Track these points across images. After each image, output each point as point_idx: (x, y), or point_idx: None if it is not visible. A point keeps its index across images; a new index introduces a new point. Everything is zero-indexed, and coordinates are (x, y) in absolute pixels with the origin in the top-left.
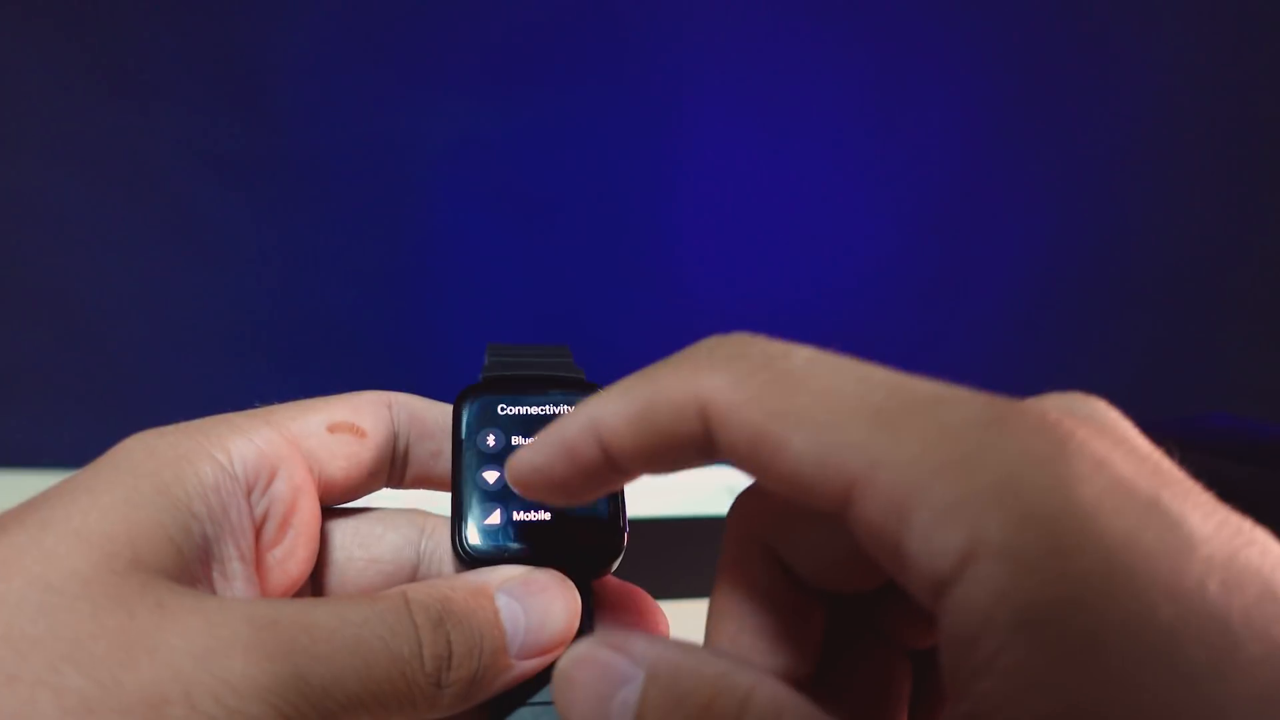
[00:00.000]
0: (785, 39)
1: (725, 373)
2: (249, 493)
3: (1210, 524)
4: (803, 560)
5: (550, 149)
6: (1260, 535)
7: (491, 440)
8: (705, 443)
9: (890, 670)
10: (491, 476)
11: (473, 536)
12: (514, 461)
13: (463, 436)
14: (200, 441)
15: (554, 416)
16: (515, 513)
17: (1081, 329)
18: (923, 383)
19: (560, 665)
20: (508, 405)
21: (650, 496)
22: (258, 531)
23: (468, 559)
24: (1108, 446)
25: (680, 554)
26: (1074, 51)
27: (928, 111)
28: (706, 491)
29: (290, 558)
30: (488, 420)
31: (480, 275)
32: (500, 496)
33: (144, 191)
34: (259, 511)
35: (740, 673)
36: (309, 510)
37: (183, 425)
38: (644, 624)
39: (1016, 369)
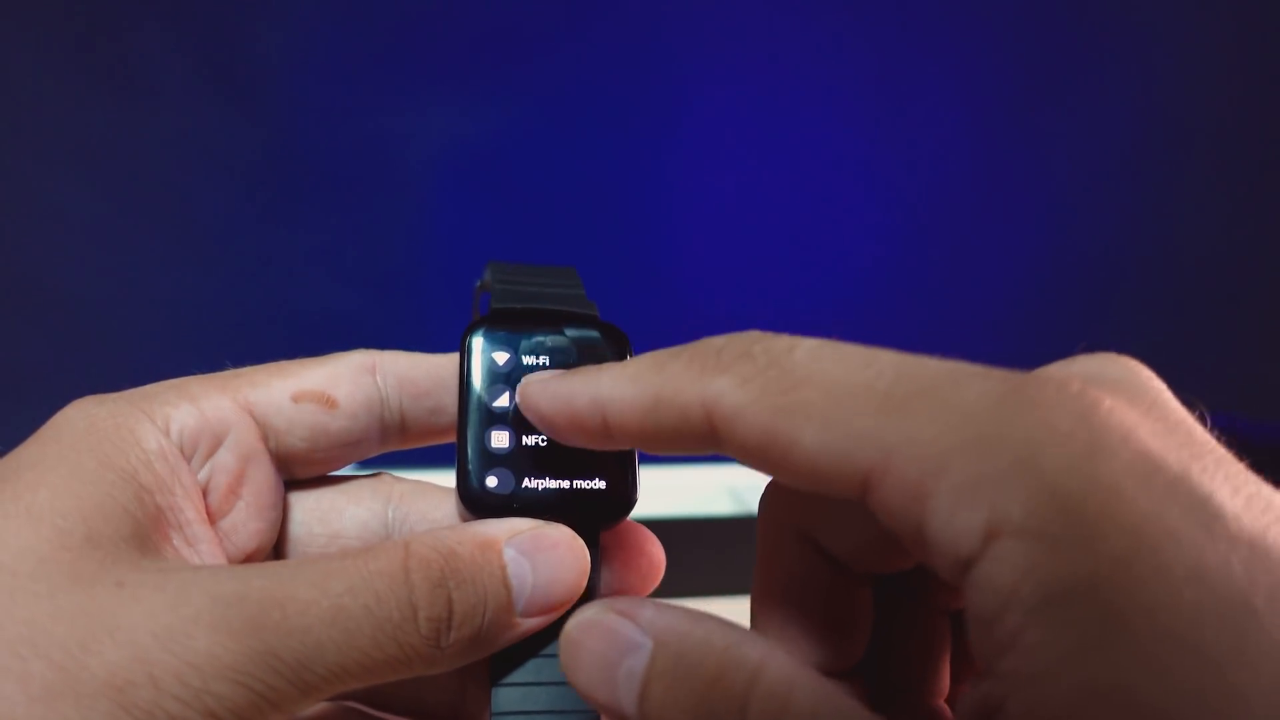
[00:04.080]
0: (785, 36)
1: (731, 376)
2: (188, 460)
3: (1239, 499)
4: (841, 544)
5: (550, 148)
6: None
7: (501, 385)
8: (710, 440)
9: (929, 632)
10: (502, 418)
11: (480, 482)
12: (524, 390)
13: (469, 377)
14: (141, 408)
15: (567, 357)
16: (526, 461)
17: (1082, 330)
18: (933, 362)
19: (567, 629)
20: (518, 342)
21: (650, 496)
22: (204, 501)
23: (474, 506)
24: (1136, 416)
25: (680, 554)
26: (1075, 51)
27: (929, 108)
28: (706, 491)
29: (240, 530)
30: (498, 358)
31: (480, 274)
32: (510, 441)
33: (143, 190)
34: (201, 479)
35: (750, 645)
36: (261, 481)
37: (128, 392)
38: (641, 561)
39: (1017, 369)
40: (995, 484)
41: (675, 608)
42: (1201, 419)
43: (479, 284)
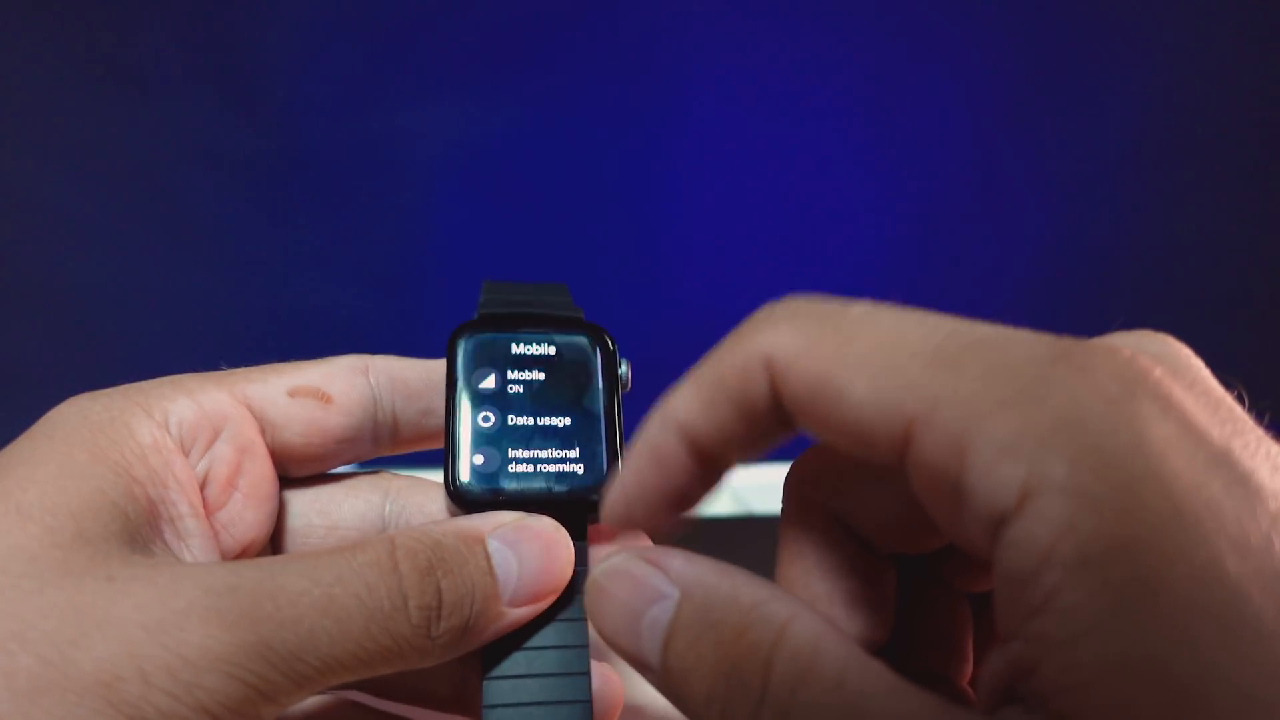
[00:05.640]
0: (785, 33)
1: (785, 327)
2: (186, 452)
3: (1279, 480)
4: (867, 521)
5: (551, 149)
6: None
7: (488, 380)
8: (776, 403)
9: (952, 615)
10: (487, 416)
11: (466, 477)
12: (609, 505)
13: (457, 376)
14: (136, 401)
15: (550, 356)
16: (510, 454)
17: (1082, 330)
18: (985, 325)
19: (594, 575)
20: (503, 343)
21: None
22: (202, 493)
23: (460, 501)
24: (1181, 390)
25: None
26: (1076, 51)
27: (931, 106)
28: None
29: (237, 521)
30: (483, 359)
31: (480, 274)
32: (495, 438)
33: (142, 190)
34: (199, 472)
35: (778, 603)
36: (257, 474)
37: (122, 387)
38: None
39: None
40: (1038, 441)
41: (705, 560)
42: (1240, 399)
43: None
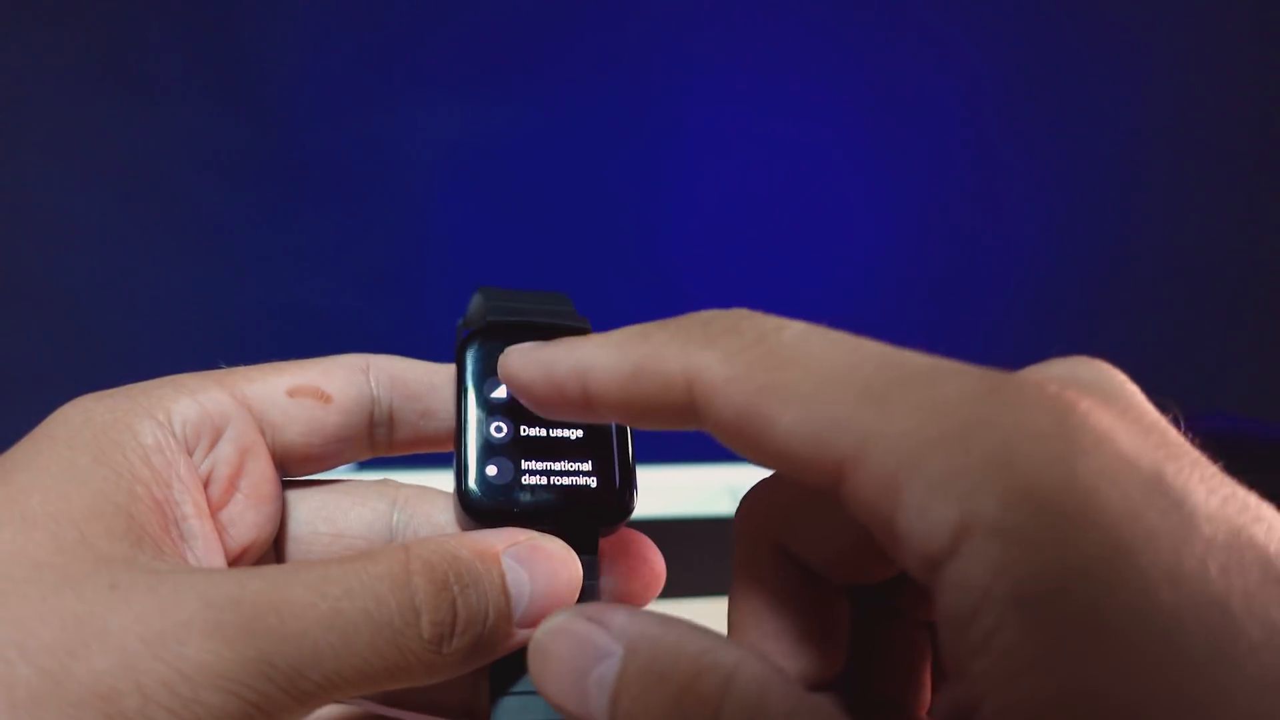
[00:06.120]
0: (784, 32)
1: (716, 349)
2: (191, 452)
3: (1215, 500)
4: (817, 554)
5: (551, 149)
6: (1267, 511)
7: (500, 390)
8: (689, 413)
9: (909, 644)
10: (500, 427)
11: (479, 489)
12: (504, 359)
13: (468, 385)
14: (140, 402)
15: None
16: (524, 465)
17: (1082, 330)
18: (917, 356)
19: (537, 636)
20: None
21: (650, 496)
22: (205, 492)
23: (473, 512)
24: (1111, 418)
25: (680, 554)
26: (1078, 51)
27: (930, 106)
28: (707, 491)
29: (238, 522)
30: (494, 369)
31: (480, 274)
32: (509, 449)
33: (142, 190)
34: (203, 471)
35: (724, 651)
36: (259, 473)
37: (125, 388)
38: (643, 570)
39: (1013, 369)
40: (969, 480)
41: (647, 613)
42: (1175, 422)
43: (461, 321)
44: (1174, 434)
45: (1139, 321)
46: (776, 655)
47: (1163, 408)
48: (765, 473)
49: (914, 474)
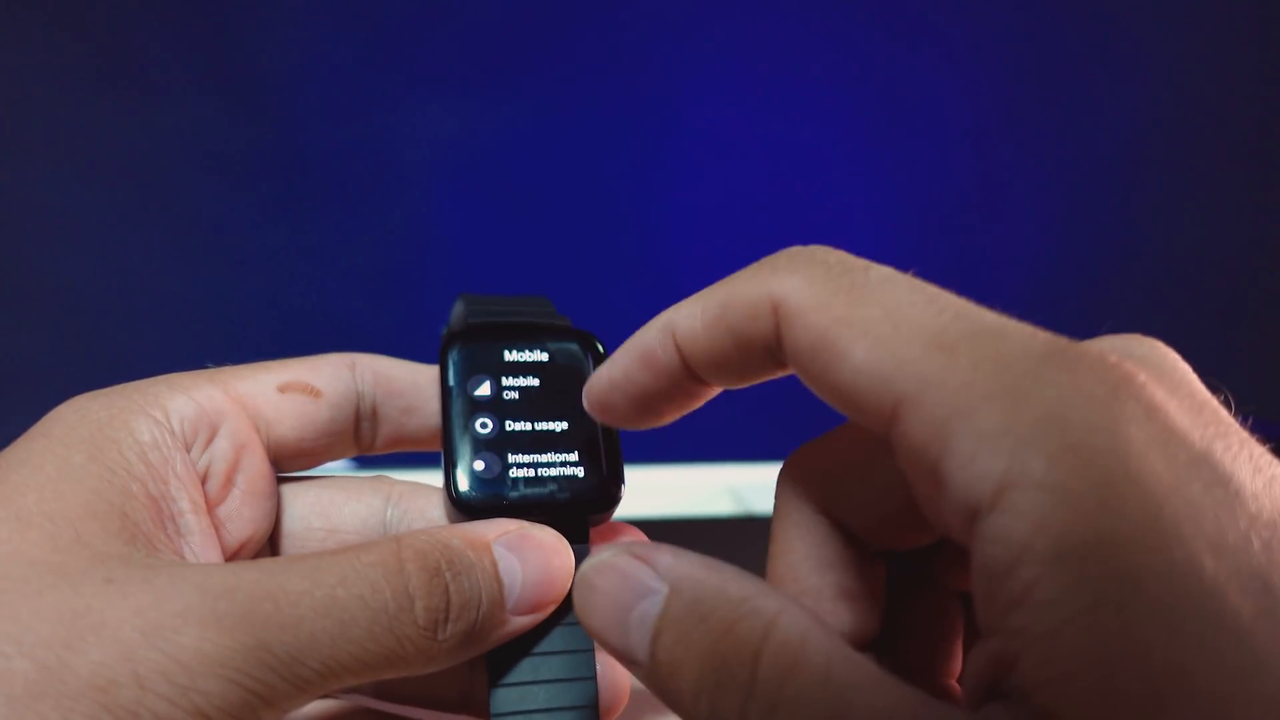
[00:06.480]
0: (784, 31)
1: (802, 275)
2: (188, 449)
3: (1260, 480)
4: (858, 517)
5: (551, 149)
6: None
7: (483, 387)
8: (775, 345)
9: (941, 612)
10: (485, 423)
11: (468, 484)
12: (591, 383)
13: (451, 384)
14: (136, 400)
15: (544, 362)
16: (511, 459)
17: (1082, 330)
18: (991, 314)
19: (583, 570)
20: (496, 351)
21: (651, 496)
22: (202, 488)
23: (464, 507)
24: (1164, 393)
25: None
26: (1076, 51)
27: (930, 106)
28: (707, 491)
29: (235, 518)
30: (477, 367)
31: (480, 274)
32: (494, 444)
33: (143, 190)
34: (201, 467)
35: (766, 598)
36: (255, 469)
37: (121, 386)
38: None
39: None
40: (1019, 435)
41: (693, 555)
42: (1225, 403)
43: (445, 331)
44: (1224, 414)
45: (1139, 321)
46: (815, 612)
47: (1214, 389)
48: (767, 471)
49: (967, 423)
